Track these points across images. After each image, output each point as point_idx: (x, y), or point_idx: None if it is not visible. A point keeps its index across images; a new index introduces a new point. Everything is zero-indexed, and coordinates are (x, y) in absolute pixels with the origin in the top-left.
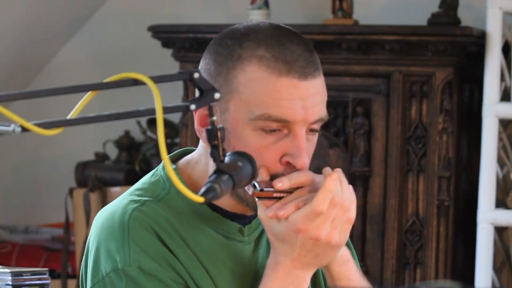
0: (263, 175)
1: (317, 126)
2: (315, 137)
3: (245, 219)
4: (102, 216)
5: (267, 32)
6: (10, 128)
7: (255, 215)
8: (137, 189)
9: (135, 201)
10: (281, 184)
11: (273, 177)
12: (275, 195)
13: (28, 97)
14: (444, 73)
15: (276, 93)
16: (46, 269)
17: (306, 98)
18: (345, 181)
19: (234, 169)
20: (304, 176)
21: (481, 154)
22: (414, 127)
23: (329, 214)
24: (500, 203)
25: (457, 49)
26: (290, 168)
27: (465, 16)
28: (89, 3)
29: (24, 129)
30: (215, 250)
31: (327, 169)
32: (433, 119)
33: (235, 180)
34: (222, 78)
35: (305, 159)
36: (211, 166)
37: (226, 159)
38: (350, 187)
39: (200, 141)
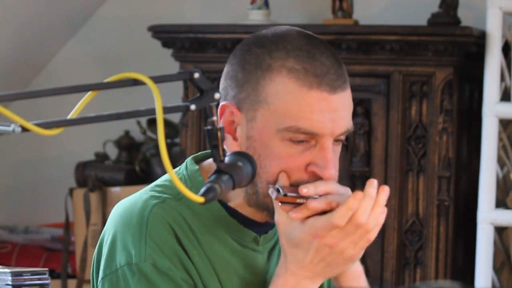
0: (283, 180)
1: (343, 137)
2: (339, 147)
3: (262, 227)
4: (121, 208)
5: (296, 41)
6: (10, 128)
7: (272, 225)
8: (158, 186)
9: (156, 197)
10: (307, 190)
11: (295, 184)
12: (298, 201)
13: (28, 97)
14: (444, 73)
15: (306, 106)
16: (46, 269)
17: (335, 111)
18: (380, 202)
19: (234, 169)
20: (330, 186)
21: (481, 154)
22: (414, 127)
23: (350, 231)
24: (500, 203)
25: (457, 49)
26: (315, 177)
27: (465, 16)
28: (89, 3)
29: (24, 129)
30: (228, 256)
31: (370, 181)
32: (433, 119)
33: (235, 180)
34: (251, 87)
35: (332, 170)
36: None
37: (226, 159)
38: (385, 209)
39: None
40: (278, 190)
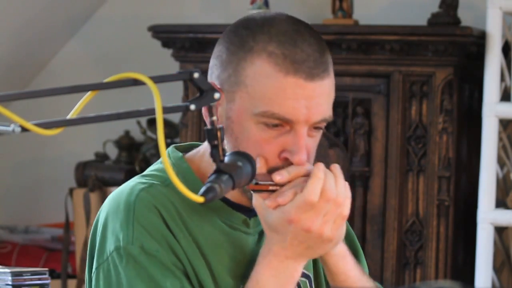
0: (259, 166)
1: (321, 125)
2: (318, 134)
3: (251, 211)
4: (110, 198)
5: (282, 26)
6: (10, 128)
7: None
8: (145, 175)
9: (143, 183)
10: (280, 177)
11: (270, 170)
12: (270, 188)
13: (28, 97)
14: (444, 73)
15: (281, 91)
16: (46, 269)
17: (311, 99)
18: (340, 177)
19: (234, 169)
20: (302, 170)
21: (481, 154)
22: (414, 127)
23: (321, 208)
24: (500, 203)
25: (457, 49)
26: (288, 164)
27: (465, 16)
28: (89, 3)
29: (24, 129)
30: (218, 238)
31: (318, 164)
32: (433, 119)
33: (235, 180)
34: (232, 68)
35: (302, 156)
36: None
37: (226, 159)
38: (346, 184)
39: None
40: None
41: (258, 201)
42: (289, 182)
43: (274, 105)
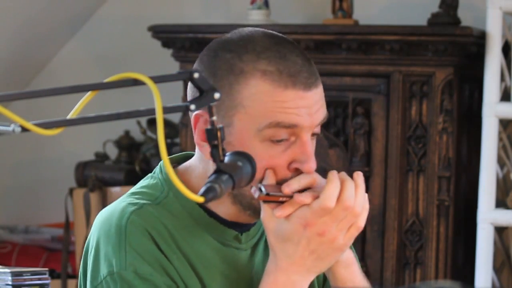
0: (269, 179)
1: (318, 130)
2: (315, 141)
3: (243, 226)
4: (100, 219)
5: (264, 42)
6: (10, 128)
7: (254, 223)
8: (135, 193)
9: (133, 204)
10: (289, 188)
11: (280, 182)
12: (281, 199)
13: (28, 97)
14: (444, 73)
15: (283, 103)
16: (46, 269)
17: (311, 106)
18: (362, 187)
19: (234, 169)
20: (311, 178)
21: (481, 154)
22: (414, 127)
23: (338, 215)
24: (500, 203)
25: (457, 49)
26: (298, 173)
27: (465, 16)
28: (89, 3)
29: (24, 129)
30: (210, 255)
31: (333, 171)
32: (433, 119)
33: (235, 180)
34: (224, 92)
35: (312, 164)
36: (209, 172)
37: (226, 159)
38: (366, 195)
39: (197, 147)
40: (260, 189)
41: (267, 213)
42: (299, 191)
43: (278, 115)
